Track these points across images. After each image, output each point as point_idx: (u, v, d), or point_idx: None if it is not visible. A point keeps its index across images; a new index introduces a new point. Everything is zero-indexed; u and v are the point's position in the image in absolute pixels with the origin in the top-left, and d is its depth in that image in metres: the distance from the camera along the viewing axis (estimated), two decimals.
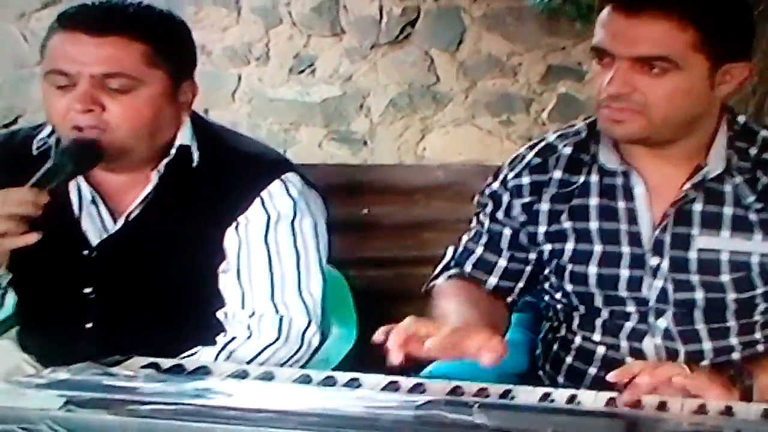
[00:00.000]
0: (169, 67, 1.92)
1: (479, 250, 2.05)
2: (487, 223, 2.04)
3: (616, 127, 1.84)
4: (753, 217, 1.87)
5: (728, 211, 1.87)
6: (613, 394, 1.60)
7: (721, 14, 1.80)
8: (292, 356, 1.96)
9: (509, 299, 2.06)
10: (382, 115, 4.58)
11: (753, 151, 1.90)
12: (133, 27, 1.88)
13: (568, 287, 1.97)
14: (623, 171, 1.92)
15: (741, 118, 1.94)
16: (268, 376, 1.68)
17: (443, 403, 1.48)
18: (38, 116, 2.14)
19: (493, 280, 2.04)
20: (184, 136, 1.97)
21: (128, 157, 1.91)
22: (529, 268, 2.04)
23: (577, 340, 2.01)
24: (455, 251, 2.10)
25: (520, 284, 2.05)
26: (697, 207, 1.88)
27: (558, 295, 2.01)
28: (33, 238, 1.75)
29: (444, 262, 2.11)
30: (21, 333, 2.10)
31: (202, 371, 1.70)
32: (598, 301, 1.95)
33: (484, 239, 2.05)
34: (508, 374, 1.98)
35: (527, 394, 1.60)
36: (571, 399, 1.58)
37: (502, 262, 2.03)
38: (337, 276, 2.28)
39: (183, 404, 1.44)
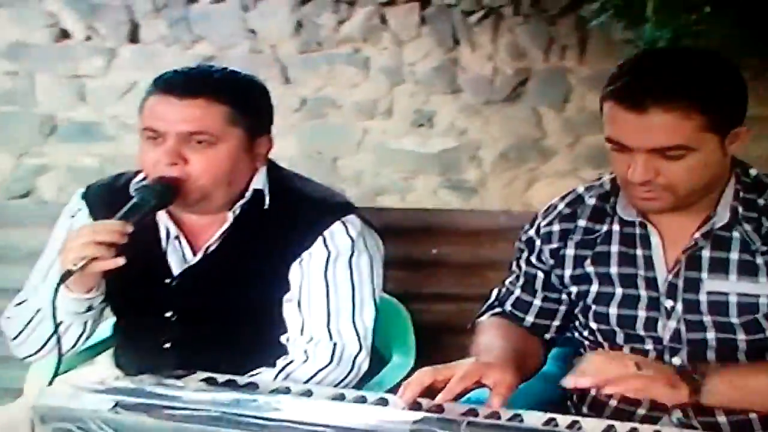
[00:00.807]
0: (246, 125, 2.02)
1: (517, 291, 2.10)
2: (523, 266, 2.10)
3: (647, 204, 1.87)
4: (759, 260, 1.86)
5: (734, 256, 1.88)
6: (613, 422, 1.64)
7: (721, 93, 1.79)
8: (343, 379, 2.02)
9: (547, 336, 2.10)
10: (492, 165, 4.65)
11: (761, 201, 1.90)
12: (216, 91, 1.99)
13: (593, 325, 2.00)
14: (640, 222, 1.95)
15: (753, 171, 1.94)
16: (307, 393, 1.77)
17: (435, 420, 1.55)
18: None
19: (529, 319, 2.09)
20: (259, 181, 2.07)
21: (207, 201, 2.02)
22: (563, 308, 2.08)
23: None
24: (499, 292, 2.15)
25: (556, 322, 2.09)
26: (706, 253, 1.89)
27: (585, 333, 2.04)
28: (120, 261, 1.87)
29: (489, 302, 2.16)
30: (115, 351, 2.25)
31: (251, 386, 1.81)
32: (620, 339, 1.97)
33: (521, 281, 2.10)
34: (542, 403, 2.02)
35: (535, 419, 1.64)
36: (573, 425, 1.61)
37: (537, 302, 2.08)
38: (400, 308, 2.35)
39: (213, 411, 1.55)
